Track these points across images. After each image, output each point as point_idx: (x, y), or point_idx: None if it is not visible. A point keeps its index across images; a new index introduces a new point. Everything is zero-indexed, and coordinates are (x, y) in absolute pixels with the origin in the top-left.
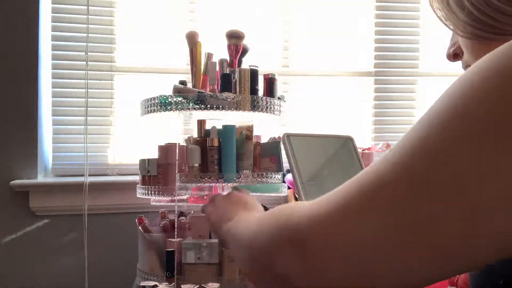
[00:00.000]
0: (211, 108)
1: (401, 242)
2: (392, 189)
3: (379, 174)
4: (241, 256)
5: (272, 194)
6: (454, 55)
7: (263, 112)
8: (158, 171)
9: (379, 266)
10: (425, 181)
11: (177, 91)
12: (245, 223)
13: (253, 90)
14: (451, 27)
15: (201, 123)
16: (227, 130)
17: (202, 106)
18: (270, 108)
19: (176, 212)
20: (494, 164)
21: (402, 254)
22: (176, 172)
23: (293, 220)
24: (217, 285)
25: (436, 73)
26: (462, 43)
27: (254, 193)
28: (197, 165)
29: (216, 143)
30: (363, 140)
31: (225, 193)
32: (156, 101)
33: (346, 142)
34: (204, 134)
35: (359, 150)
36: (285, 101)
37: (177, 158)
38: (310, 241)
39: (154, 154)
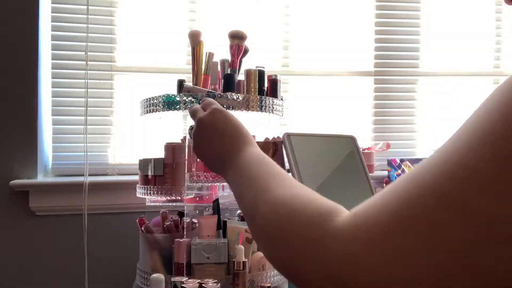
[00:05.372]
0: None
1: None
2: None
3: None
4: (252, 203)
5: None
6: None
7: (268, 112)
8: (165, 171)
9: None
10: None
11: (186, 90)
12: (266, 174)
13: (260, 91)
14: None
15: None
16: None
17: None
18: (274, 108)
19: (185, 212)
20: None
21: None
22: (186, 172)
23: (335, 227)
24: (217, 285)
25: (436, 72)
26: None
27: None
28: None
29: None
30: (363, 140)
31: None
32: (160, 100)
33: (349, 142)
34: None
35: None
36: (284, 101)
37: (186, 158)
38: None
39: (153, 154)
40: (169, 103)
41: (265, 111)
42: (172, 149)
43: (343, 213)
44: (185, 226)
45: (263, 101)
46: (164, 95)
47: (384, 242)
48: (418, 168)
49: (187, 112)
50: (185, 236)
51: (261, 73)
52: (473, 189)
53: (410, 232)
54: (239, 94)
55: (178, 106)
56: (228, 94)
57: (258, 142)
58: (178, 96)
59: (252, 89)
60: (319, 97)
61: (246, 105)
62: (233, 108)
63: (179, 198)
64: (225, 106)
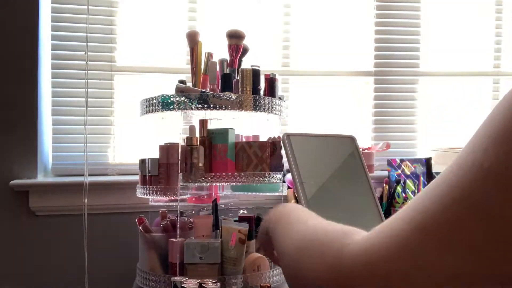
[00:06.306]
0: (214, 108)
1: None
2: (467, 231)
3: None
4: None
5: (272, 194)
6: None
7: (265, 112)
8: (159, 171)
9: None
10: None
11: (179, 90)
12: (298, 220)
13: (255, 90)
14: None
15: (203, 122)
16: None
17: (205, 105)
18: (271, 108)
19: (178, 211)
20: None
21: None
22: (179, 171)
23: (346, 259)
24: (217, 285)
25: (436, 72)
26: None
27: (254, 193)
28: (201, 164)
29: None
30: (363, 140)
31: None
32: (157, 100)
33: (348, 142)
34: (207, 133)
35: None
36: (285, 101)
37: (179, 158)
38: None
39: (154, 154)
40: (164, 104)
41: (260, 111)
42: (166, 149)
43: (360, 234)
44: (178, 225)
45: (257, 101)
46: (160, 96)
47: (394, 266)
48: (423, 192)
49: (184, 112)
50: (178, 236)
51: (256, 72)
52: (490, 191)
53: (419, 253)
54: (232, 94)
55: (172, 107)
56: (222, 93)
57: (257, 142)
58: (172, 96)
59: (248, 89)
60: (319, 97)
61: (239, 105)
62: (226, 108)
63: (173, 198)
64: (217, 105)
